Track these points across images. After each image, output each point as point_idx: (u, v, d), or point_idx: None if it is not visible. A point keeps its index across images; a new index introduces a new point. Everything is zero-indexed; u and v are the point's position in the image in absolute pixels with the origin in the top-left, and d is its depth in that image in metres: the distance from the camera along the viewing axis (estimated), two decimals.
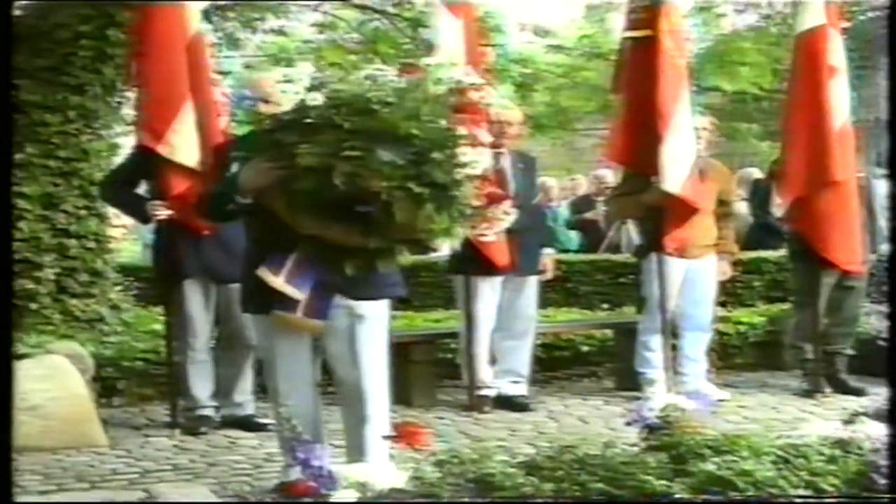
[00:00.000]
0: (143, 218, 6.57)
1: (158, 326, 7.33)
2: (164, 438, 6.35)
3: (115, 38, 7.85)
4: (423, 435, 3.27)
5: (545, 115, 17.04)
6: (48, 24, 7.91)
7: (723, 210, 7.40)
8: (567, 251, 11.28)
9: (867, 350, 7.36)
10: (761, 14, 15.32)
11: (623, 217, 9.62)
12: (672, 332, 7.10)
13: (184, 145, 6.29)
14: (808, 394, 7.32)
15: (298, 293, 4.26)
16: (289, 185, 4.09)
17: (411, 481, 3.16)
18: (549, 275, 7.47)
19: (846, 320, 7.46)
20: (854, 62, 7.67)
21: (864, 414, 4.02)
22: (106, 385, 7.12)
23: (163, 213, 6.29)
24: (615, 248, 11.14)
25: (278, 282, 4.24)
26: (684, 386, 6.80)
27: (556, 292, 9.36)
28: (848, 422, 3.89)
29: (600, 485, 3.42)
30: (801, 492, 3.37)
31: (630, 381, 7.36)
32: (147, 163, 6.40)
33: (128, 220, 11.06)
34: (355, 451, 4.30)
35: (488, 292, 7.00)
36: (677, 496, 3.33)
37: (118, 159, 7.87)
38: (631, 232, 10.03)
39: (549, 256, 7.42)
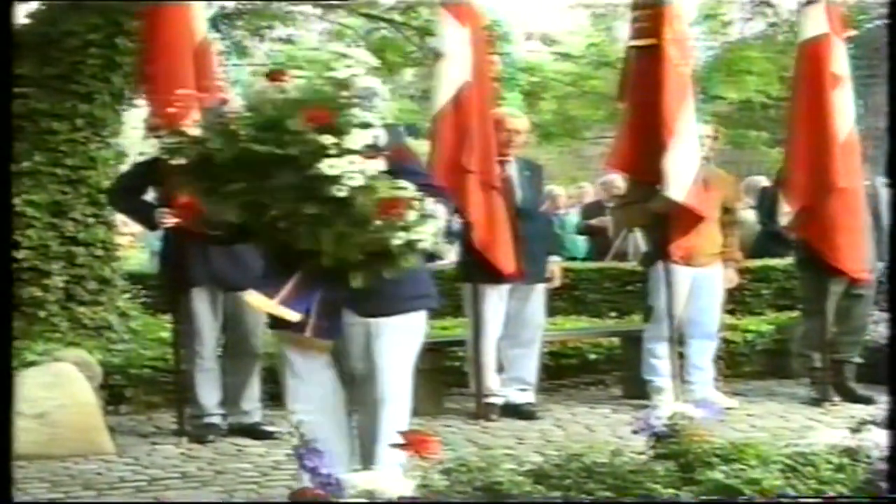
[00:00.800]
0: (152, 225, 6.58)
1: (166, 334, 7.34)
2: (172, 446, 6.36)
3: (123, 46, 7.88)
4: (431, 443, 3.27)
5: (552, 123, 17.02)
6: (57, 32, 7.94)
7: (727, 218, 7.41)
8: (574, 259, 11.28)
9: (875, 358, 7.34)
10: (768, 22, 15.31)
11: (629, 225, 9.63)
12: (678, 340, 7.10)
13: None
14: (815, 402, 7.31)
15: (293, 314, 4.07)
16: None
17: (419, 489, 3.15)
18: (556, 283, 7.47)
19: (854, 328, 7.45)
20: (861, 70, 7.67)
21: (873, 422, 4.01)
22: (113, 393, 7.14)
23: (171, 220, 6.29)
24: (623, 257, 11.13)
25: (268, 304, 4.08)
26: (692, 394, 6.80)
27: (563, 300, 9.36)
28: (856, 430, 3.87)
29: (608, 493, 3.41)
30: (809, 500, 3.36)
31: (637, 390, 7.35)
32: (155, 170, 6.40)
33: (136, 228, 11.10)
34: (366, 460, 4.26)
35: (496, 300, 7.00)
36: None
37: (125, 167, 7.89)
38: (638, 240, 10.02)
39: (556, 264, 7.43)
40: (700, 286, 7.20)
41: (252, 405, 6.61)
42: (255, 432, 6.50)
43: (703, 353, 7.31)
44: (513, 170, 7.08)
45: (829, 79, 7.06)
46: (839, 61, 7.10)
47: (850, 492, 3.43)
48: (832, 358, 7.37)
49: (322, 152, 3.69)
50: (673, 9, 6.63)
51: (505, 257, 6.81)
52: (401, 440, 3.27)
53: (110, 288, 8.20)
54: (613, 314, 9.57)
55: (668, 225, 6.85)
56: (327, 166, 3.68)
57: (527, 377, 7.17)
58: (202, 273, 6.38)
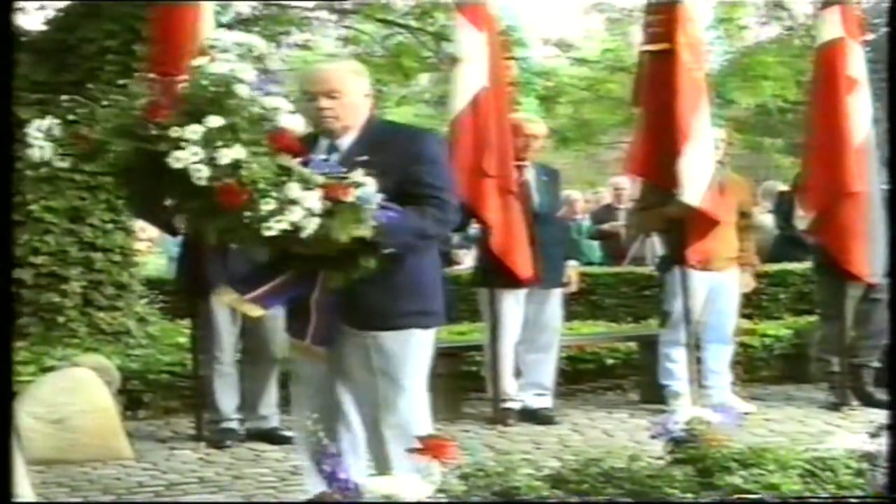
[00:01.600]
0: (171, 230, 6.59)
1: (184, 339, 7.35)
2: (190, 451, 6.37)
3: (140, 53, 7.90)
4: (449, 448, 3.27)
5: (569, 128, 17.04)
6: (74, 38, 7.98)
7: (743, 222, 7.39)
8: (591, 264, 11.27)
9: (894, 362, 7.31)
10: (784, 26, 15.29)
11: (645, 230, 9.61)
12: (695, 345, 7.08)
13: None
14: (834, 407, 7.28)
15: (256, 310, 4.05)
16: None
17: (437, 494, 3.16)
18: (573, 287, 7.47)
19: (873, 333, 7.42)
20: (878, 74, 7.63)
21: (891, 427, 4.00)
22: (132, 398, 7.15)
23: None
24: (639, 261, 11.11)
25: (236, 300, 4.04)
26: (709, 399, 6.78)
27: (580, 305, 9.35)
28: (875, 435, 3.86)
29: (626, 498, 3.41)
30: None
31: (655, 394, 7.34)
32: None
33: (154, 233, 11.14)
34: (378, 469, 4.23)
35: (513, 305, 7.00)
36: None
37: None
38: (655, 245, 10.00)
39: (573, 269, 7.42)
40: (716, 291, 7.19)
41: (270, 410, 6.62)
42: (272, 437, 6.51)
43: (720, 357, 7.29)
44: (530, 174, 7.08)
45: (845, 83, 7.04)
46: (856, 65, 7.08)
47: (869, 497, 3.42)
48: (851, 362, 7.34)
49: (173, 146, 3.59)
50: (686, 13, 6.62)
51: (522, 262, 6.81)
52: (418, 445, 3.27)
53: (128, 293, 8.23)
54: (630, 319, 9.56)
55: (684, 229, 6.83)
56: (174, 159, 3.58)
57: (544, 382, 7.17)
58: (220, 278, 6.37)
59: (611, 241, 12.07)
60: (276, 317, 6.15)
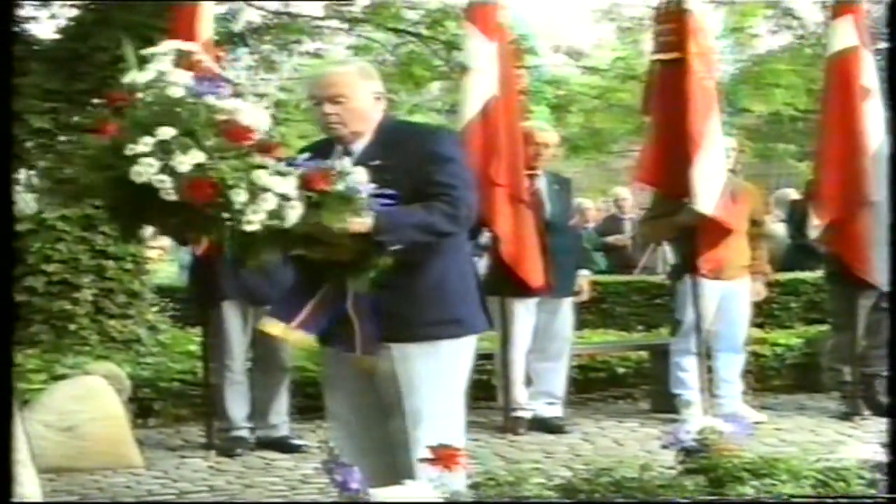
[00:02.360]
0: (182, 239, 6.58)
1: (195, 347, 7.36)
2: (200, 459, 6.37)
3: None
4: (459, 457, 3.26)
5: (580, 136, 17.05)
6: (86, 47, 8.01)
7: (755, 230, 7.38)
8: (602, 272, 11.26)
9: (894, 370, 7.29)
10: (795, 35, 15.29)
11: (656, 239, 9.61)
12: (706, 354, 7.06)
13: None
14: (846, 416, 7.26)
15: (306, 337, 3.95)
16: None
17: None
18: (584, 296, 7.46)
19: (885, 342, 7.39)
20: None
21: (892, 430, 3.98)
22: (142, 406, 7.16)
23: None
24: (651, 271, 11.11)
25: (284, 329, 3.94)
26: (721, 408, 6.76)
27: (591, 314, 9.35)
28: (887, 445, 3.84)
29: None
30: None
31: (666, 404, 7.32)
32: None
33: (165, 242, 11.15)
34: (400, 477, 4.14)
35: (524, 314, 7.00)
36: None
37: None
38: (667, 253, 9.99)
39: (584, 278, 7.42)
40: (728, 299, 7.17)
41: (280, 419, 6.62)
42: (283, 446, 6.51)
43: (731, 366, 7.27)
44: (541, 183, 7.08)
45: (858, 91, 7.03)
46: (869, 74, 7.07)
47: None
48: (862, 372, 7.32)
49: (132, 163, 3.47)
50: (697, 22, 6.61)
51: (533, 271, 6.81)
52: (429, 454, 3.26)
53: (139, 301, 8.25)
54: (641, 328, 9.55)
55: (695, 238, 6.82)
56: (135, 174, 3.44)
57: (555, 391, 7.16)
58: (232, 287, 6.39)
59: (617, 252, 12.08)
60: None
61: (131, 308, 8.12)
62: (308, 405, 6.89)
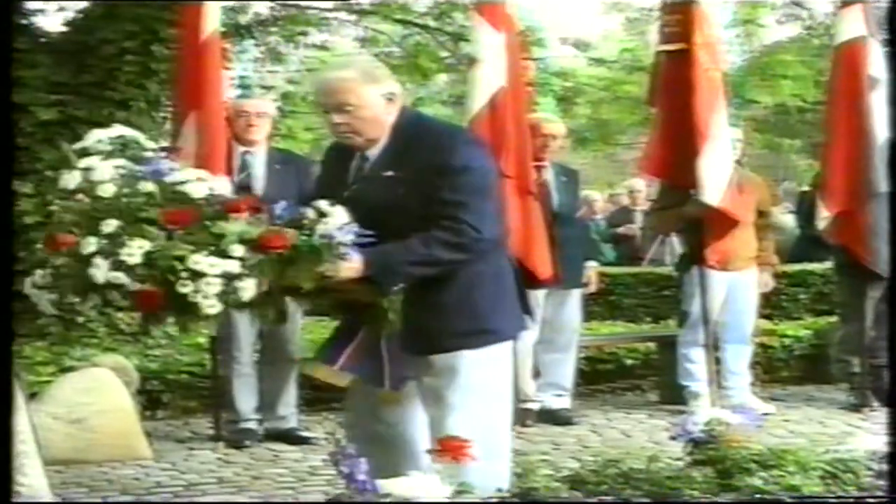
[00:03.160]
0: None
1: (203, 340, 7.36)
2: (208, 451, 6.38)
3: (159, 53, 7.92)
4: (467, 448, 3.26)
5: (587, 128, 17.03)
6: (93, 40, 8.00)
7: (762, 221, 7.38)
8: (610, 264, 11.26)
9: (893, 362, 7.29)
10: (803, 25, 15.25)
11: (663, 231, 9.60)
12: (714, 345, 7.06)
13: (181, 158, 6.23)
14: (855, 407, 7.26)
15: (345, 379, 3.84)
16: None
17: (455, 495, 3.15)
18: (592, 288, 7.46)
19: (893, 333, 7.38)
20: None
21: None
22: (151, 398, 7.17)
23: None
24: (658, 262, 11.10)
25: (329, 373, 3.84)
26: (729, 400, 6.76)
27: (599, 305, 9.34)
28: (887, 445, 3.84)
29: (645, 499, 3.39)
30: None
31: (674, 395, 7.32)
32: None
33: None
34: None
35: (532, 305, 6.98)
36: None
37: None
38: (674, 245, 9.99)
39: (592, 269, 7.41)
40: (735, 290, 7.17)
41: (288, 410, 6.62)
42: (291, 437, 6.51)
43: (739, 358, 7.27)
44: (549, 175, 7.07)
45: (866, 82, 7.01)
46: (876, 63, 7.05)
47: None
48: (871, 363, 7.31)
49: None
50: (703, 13, 6.59)
51: (541, 262, 6.79)
52: (437, 446, 3.26)
53: None
54: (649, 319, 9.55)
55: (702, 229, 6.82)
56: (93, 277, 3.49)
57: (563, 382, 7.16)
58: None
59: (626, 243, 12.07)
60: (295, 316, 6.17)
61: None
62: (316, 397, 6.89)
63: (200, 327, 3.58)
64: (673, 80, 6.64)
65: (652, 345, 8.11)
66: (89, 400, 6.15)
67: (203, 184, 3.52)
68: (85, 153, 3.57)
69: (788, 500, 3.32)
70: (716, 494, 3.40)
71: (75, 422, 6.06)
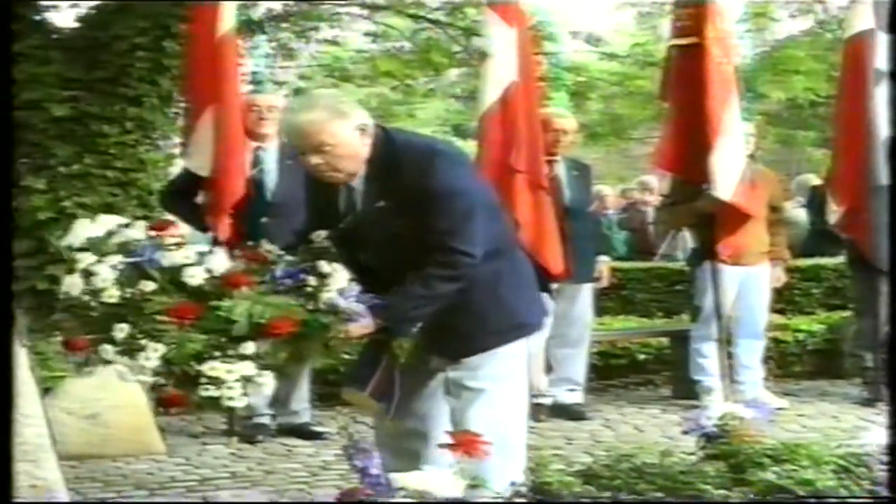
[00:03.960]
0: (203, 227, 6.60)
1: None
2: (222, 446, 6.40)
3: (171, 49, 7.95)
4: (480, 443, 3.26)
5: (599, 123, 17.00)
6: (106, 36, 8.03)
7: (774, 216, 7.36)
8: (622, 258, 11.25)
9: (893, 358, 7.27)
10: (817, 20, 15.19)
11: (675, 226, 9.58)
12: (727, 340, 7.05)
13: (197, 155, 6.26)
14: (868, 402, 7.24)
15: (377, 405, 3.93)
16: None
17: (469, 490, 3.15)
18: (604, 282, 7.46)
19: None
20: None
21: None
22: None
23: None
24: (670, 257, 11.08)
25: (361, 399, 3.93)
26: (742, 394, 6.75)
27: (611, 300, 9.33)
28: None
29: (658, 494, 3.39)
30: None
31: (687, 390, 7.32)
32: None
33: (185, 230, 11.18)
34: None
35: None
36: None
37: (175, 170, 7.96)
38: (686, 240, 9.97)
39: (604, 264, 7.41)
40: (748, 285, 7.16)
41: (301, 405, 6.63)
42: (304, 432, 6.52)
43: (751, 352, 7.27)
44: (561, 169, 7.07)
45: (873, 75, 6.99)
46: (883, 56, 7.02)
47: None
48: (885, 358, 7.28)
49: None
50: (715, 7, 6.58)
51: (553, 257, 6.78)
52: (450, 440, 3.27)
53: None
54: (662, 314, 9.53)
55: (714, 224, 6.81)
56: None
57: (575, 377, 7.16)
58: None
59: (639, 234, 12.06)
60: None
61: None
62: (329, 392, 6.90)
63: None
64: (685, 75, 6.63)
65: (664, 340, 8.10)
66: (103, 395, 6.17)
67: (198, 268, 3.56)
68: (80, 249, 3.68)
69: (791, 500, 3.31)
70: (728, 489, 3.40)
71: (89, 417, 6.08)
